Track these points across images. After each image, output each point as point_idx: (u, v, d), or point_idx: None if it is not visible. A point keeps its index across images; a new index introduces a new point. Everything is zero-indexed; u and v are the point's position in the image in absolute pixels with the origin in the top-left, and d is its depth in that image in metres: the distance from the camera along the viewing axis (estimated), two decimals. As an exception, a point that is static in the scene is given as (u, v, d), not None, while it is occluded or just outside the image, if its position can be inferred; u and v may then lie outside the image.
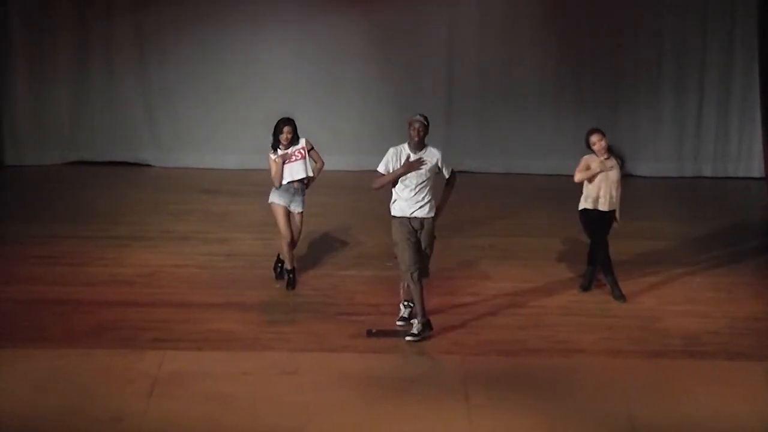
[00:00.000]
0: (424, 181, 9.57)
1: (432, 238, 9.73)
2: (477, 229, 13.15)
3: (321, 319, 10.24)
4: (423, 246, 9.68)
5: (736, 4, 15.98)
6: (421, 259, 9.65)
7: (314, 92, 16.22)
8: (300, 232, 11.04)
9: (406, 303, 9.98)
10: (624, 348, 9.76)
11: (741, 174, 16.45)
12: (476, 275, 11.60)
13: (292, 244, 10.95)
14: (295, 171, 10.84)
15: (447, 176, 9.77)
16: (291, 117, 10.89)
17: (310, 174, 10.95)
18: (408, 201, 9.60)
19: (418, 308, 9.65)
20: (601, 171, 10.40)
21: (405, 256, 9.55)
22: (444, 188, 9.83)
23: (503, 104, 16.32)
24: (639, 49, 16.17)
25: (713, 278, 11.61)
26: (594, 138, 10.39)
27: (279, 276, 11.19)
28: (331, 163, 15.82)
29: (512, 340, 9.85)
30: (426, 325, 9.67)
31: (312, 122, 16.01)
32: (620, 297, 10.73)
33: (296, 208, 10.92)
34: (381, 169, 9.69)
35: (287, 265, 11.02)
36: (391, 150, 9.67)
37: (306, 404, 8.44)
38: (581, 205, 10.64)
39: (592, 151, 10.49)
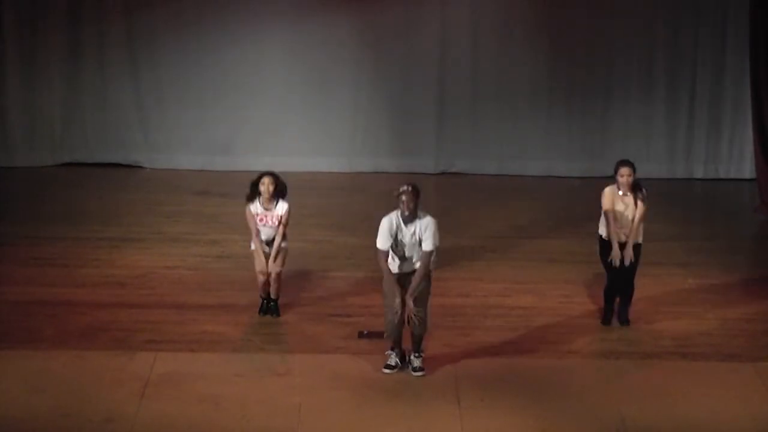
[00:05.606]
0: (413, 252, 8.97)
1: (422, 278, 8.95)
2: (469, 230, 13.14)
3: (313, 321, 10.23)
4: (411, 286, 8.96)
5: (728, 4, 15.99)
6: (415, 307, 8.94)
7: (307, 93, 16.18)
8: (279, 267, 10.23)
9: (396, 351, 9.21)
10: (616, 349, 9.78)
11: (732, 175, 16.45)
12: (468, 276, 11.59)
13: (268, 282, 10.26)
14: (267, 234, 10.19)
15: (423, 249, 8.90)
16: (274, 171, 10.21)
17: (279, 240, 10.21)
18: (400, 262, 9.01)
19: (414, 345, 9.11)
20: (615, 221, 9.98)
21: (394, 301, 8.91)
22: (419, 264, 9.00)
23: (496, 105, 16.28)
24: (631, 51, 16.16)
25: (705, 280, 11.61)
26: (623, 170, 10.05)
27: (263, 311, 10.42)
28: (324, 165, 16.01)
29: (504, 342, 9.85)
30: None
31: (305, 124, 16.11)
32: (625, 322, 10.30)
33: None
34: (380, 244, 8.92)
35: (272, 295, 10.37)
36: (385, 222, 8.89)
37: (298, 406, 8.44)
38: (602, 232, 10.14)
39: (616, 182, 10.23)
